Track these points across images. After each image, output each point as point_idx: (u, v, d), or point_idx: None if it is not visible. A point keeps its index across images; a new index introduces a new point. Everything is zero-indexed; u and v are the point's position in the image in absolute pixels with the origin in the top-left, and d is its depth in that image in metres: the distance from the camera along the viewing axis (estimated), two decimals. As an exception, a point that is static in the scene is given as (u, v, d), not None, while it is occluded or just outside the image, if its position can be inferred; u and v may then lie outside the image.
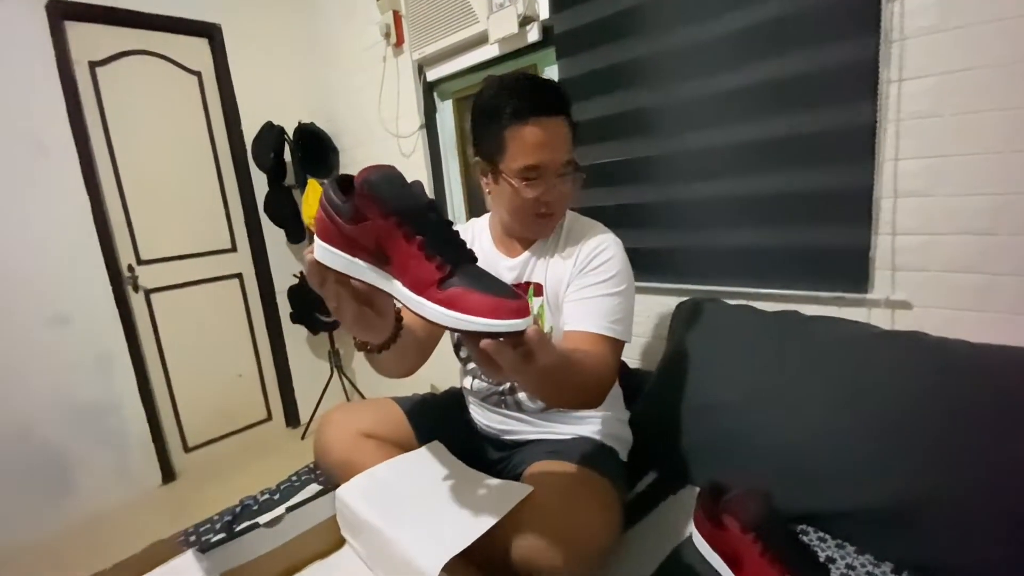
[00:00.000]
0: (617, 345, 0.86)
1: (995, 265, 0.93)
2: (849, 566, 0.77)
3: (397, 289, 0.54)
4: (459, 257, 0.53)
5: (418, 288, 0.52)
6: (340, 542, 0.88)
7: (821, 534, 0.84)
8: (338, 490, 0.84)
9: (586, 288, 0.88)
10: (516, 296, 0.50)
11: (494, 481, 0.82)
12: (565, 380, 0.68)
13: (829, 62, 1.03)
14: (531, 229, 0.94)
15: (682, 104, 1.26)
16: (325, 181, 0.56)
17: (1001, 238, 0.91)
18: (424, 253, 0.52)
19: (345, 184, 0.56)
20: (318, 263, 0.56)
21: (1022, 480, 0.70)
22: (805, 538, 0.83)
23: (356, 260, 0.55)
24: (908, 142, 0.98)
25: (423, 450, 0.93)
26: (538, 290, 0.95)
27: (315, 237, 0.57)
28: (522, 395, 0.98)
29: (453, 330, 0.52)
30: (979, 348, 0.84)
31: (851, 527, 0.82)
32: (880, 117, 0.99)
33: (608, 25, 1.35)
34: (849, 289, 1.08)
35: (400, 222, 0.52)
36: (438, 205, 0.57)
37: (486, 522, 0.68)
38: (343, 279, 0.57)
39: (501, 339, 0.49)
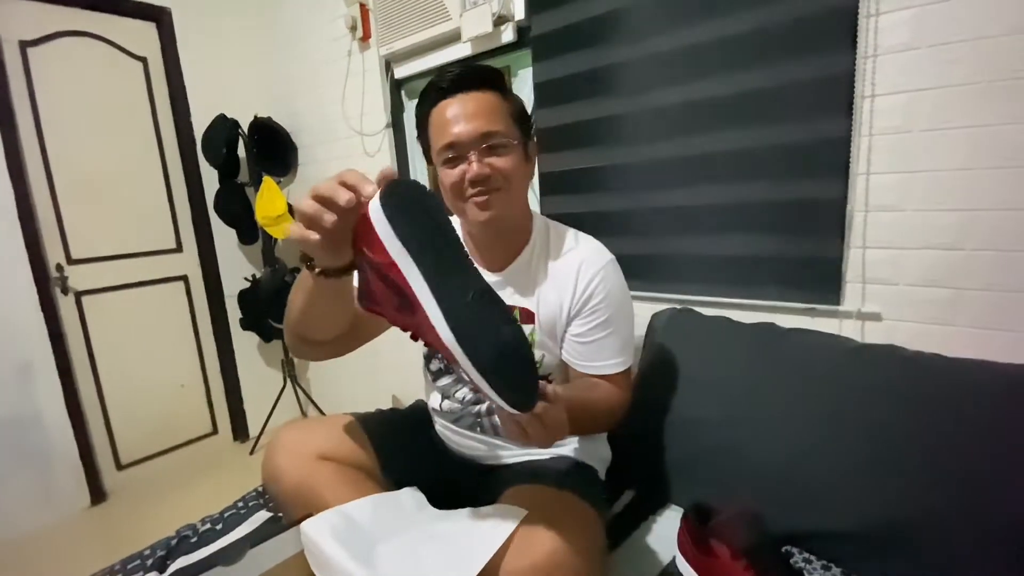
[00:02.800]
0: (627, 372, 0.88)
1: (962, 280, 0.94)
2: (837, 589, 0.75)
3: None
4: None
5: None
6: None
7: (806, 555, 0.82)
8: (303, 525, 0.74)
9: (591, 330, 0.85)
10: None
11: (476, 519, 0.74)
12: (580, 424, 0.71)
13: (805, 75, 1.04)
14: (473, 214, 0.83)
15: (657, 112, 1.25)
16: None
17: (967, 253, 0.93)
18: None
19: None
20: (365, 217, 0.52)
21: (1009, 499, 0.70)
22: (791, 559, 0.80)
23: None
24: (880, 157, 0.99)
25: (399, 493, 0.84)
26: (528, 317, 0.88)
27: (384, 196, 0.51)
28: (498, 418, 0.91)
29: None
30: (955, 362, 0.84)
31: (838, 548, 0.80)
32: (854, 131, 1.00)
33: (583, 31, 1.33)
34: (821, 300, 1.08)
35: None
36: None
37: (474, 566, 0.62)
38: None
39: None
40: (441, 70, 0.83)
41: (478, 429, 0.94)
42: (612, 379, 0.86)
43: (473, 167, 0.79)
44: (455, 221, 0.98)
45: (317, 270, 0.62)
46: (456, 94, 0.80)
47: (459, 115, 0.79)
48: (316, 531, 0.72)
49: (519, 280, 0.89)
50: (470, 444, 0.96)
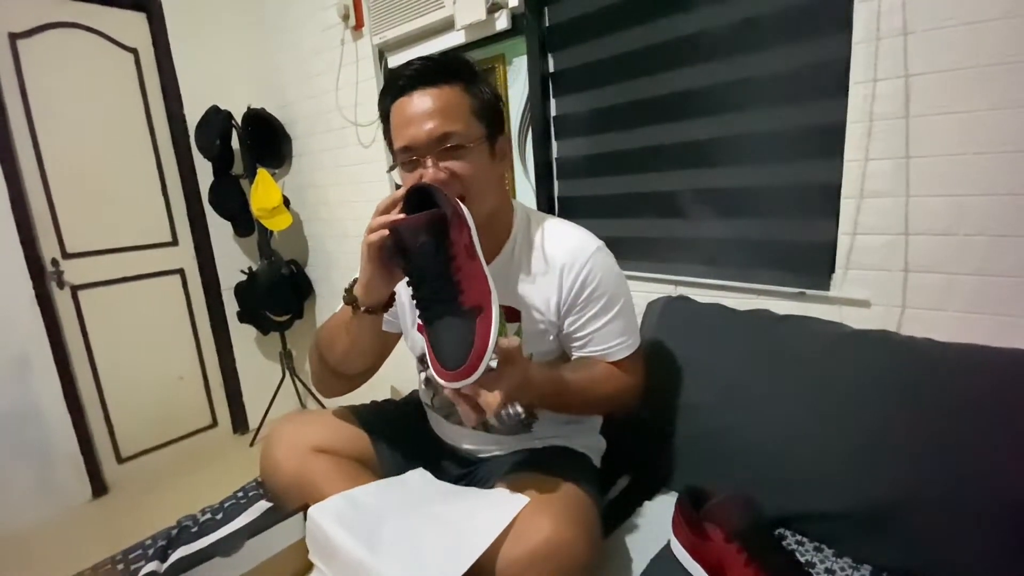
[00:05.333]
0: (635, 356, 0.88)
1: (954, 265, 0.94)
2: (828, 570, 0.76)
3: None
4: (437, 310, 0.66)
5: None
6: (306, 568, 0.80)
7: (799, 537, 0.83)
8: (310, 510, 0.76)
9: (588, 321, 0.84)
10: (459, 364, 0.62)
11: (478, 503, 0.75)
12: (568, 402, 0.81)
13: (801, 61, 1.03)
14: None
15: (654, 100, 1.26)
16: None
17: (960, 238, 0.93)
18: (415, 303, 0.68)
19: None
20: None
21: (997, 480, 0.70)
22: (782, 541, 0.82)
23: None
24: (874, 142, 0.99)
25: (405, 476, 0.86)
26: (512, 315, 0.87)
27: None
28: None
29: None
30: (947, 347, 0.84)
31: (829, 529, 0.81)
32: (848, 117, 1.00)
33: (592, 23, 1.34)
34: (813, 285, 1.09)
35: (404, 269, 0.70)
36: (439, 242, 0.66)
37: (473, 552, 0.63)
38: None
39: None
40: (406, 63, 0.79)
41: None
42: (620, 365, 0.86)
43: (429, 172, 0.74)
44: None
45: (363, 308, 0.77)
46: (415, 90, 0.75)
47: (415, 115, 0.74)
48: (322, 515, 0.73)
49: (501, 278, 0.86)
50: (462, 438, 0.96)
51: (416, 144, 0.75)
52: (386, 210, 0.71)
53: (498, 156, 0.82)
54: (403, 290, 0.74)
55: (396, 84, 0.77)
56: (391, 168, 0.85)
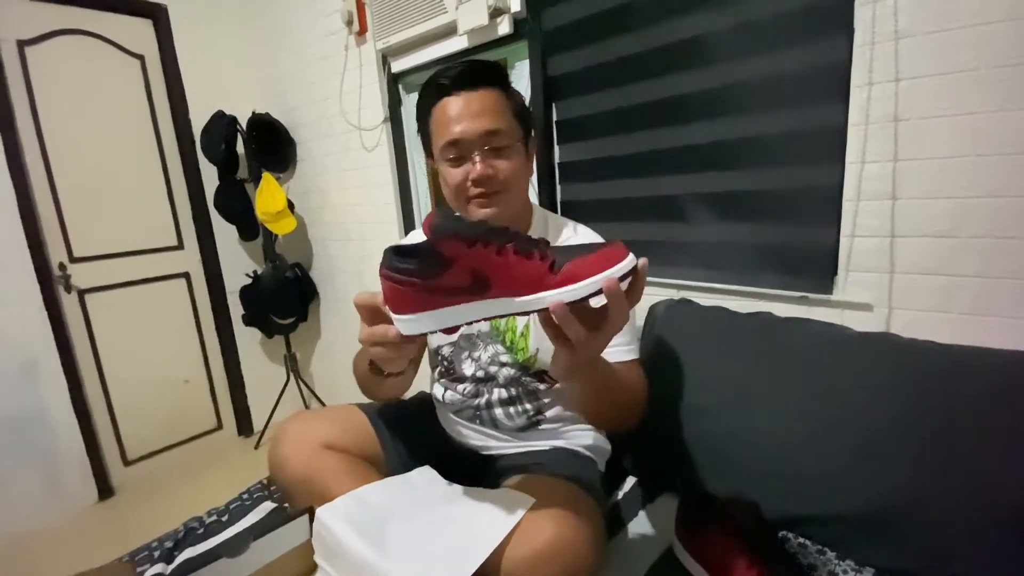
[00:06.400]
0: (638, 361, 0.88)
1: (957, 267, 0.94)
2: (832, 573, 0.76)
3: (503, 305, 0.55)
4: (542, 244, 0.56)
5: (533, 287, 0.54)
6: (312, 569, 0.80)
7: (802, 540, 0.83)
8: (318, 511, 0.76)
9: None
10: (608, 243, 0.54)
11: (484, 504, 0.75)
12: (613, 395, 0.74)
13: (803, 64, 1.04)
14: (473, 213, 0.84)
15: (655, 103, 1.26)
16: (385, 256, 0.58)
17: (963, 240, 0.93)
18: (522, 256, 0.54)
19: (400, 251, 0.58)
20: (405, 337, 0.58)
21: (1000, 483, 0.70)
22: (785, 544, 0.82)
23: (448, 308, 0.56)
24: (875, 145, 0.99)
25: (411, 474, 0.87)
26: None
27: (392, 315, 0.59)
28: (498, 411, 0.92)
29: (577, 302, 0.52)
30: (950, 349, 0.84)
31: (831, 532, 0.81)
32: (850, 120, 1.00)
33: (589, 26, 1.34)
34: (815, 289, 1.09)
35: (486, 242, 0.55)
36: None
37: (480, 554, 0.63)
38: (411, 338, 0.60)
39: (624, 280, 0.53)
40: (445, 67, 0.83)
41: (477, 421, 0.95)
42: (628, 368, 0.86)
43: (477, 168, 0.79)
44: None
45: (387, 375, 0.75)
46: (459, 91, 0.80)
47: (462, 113, 0.79)
48: (330, 516, 0.74)
49: None
50: (470, 434, 0.97)
51: (464, 140, 0.79)
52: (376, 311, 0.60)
53: (530, 156, 0.88)
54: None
55: (439, 85, 0.82)
56: (431, 166, 0.88)
